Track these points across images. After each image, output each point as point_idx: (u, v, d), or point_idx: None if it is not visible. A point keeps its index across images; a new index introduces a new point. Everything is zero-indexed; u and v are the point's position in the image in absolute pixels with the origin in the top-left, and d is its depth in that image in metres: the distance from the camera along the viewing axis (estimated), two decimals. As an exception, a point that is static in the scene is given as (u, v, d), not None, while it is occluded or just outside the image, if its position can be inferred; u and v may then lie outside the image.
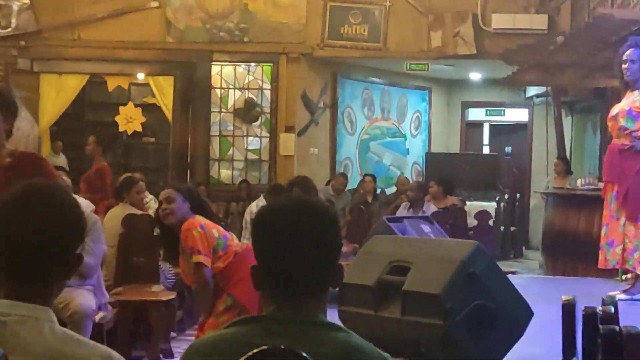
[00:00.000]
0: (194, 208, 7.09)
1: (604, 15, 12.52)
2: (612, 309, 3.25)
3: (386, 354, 2.72)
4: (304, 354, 2.40)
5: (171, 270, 9.84)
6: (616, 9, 12.39)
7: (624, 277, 9.13)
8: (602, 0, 13.50)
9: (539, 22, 17.41)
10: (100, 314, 8.10)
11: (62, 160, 18.72)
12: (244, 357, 2.40)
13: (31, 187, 2.78)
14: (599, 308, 3.29)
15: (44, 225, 2.69)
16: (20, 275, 2.65)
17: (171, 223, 6.99)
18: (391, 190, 18.59)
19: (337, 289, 5.77)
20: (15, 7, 18.45)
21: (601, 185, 9.15)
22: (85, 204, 8.29)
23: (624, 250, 8.49)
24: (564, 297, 3.62)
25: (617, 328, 2.80)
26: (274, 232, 2.73)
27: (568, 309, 3.55)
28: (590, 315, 3.27)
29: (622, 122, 8.51)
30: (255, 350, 2.41)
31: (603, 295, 6.44)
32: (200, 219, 6.94)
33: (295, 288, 2.68)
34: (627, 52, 8.68)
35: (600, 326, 2.95)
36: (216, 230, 7.04)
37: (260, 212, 2.84)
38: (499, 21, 17.88)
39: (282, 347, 2.42)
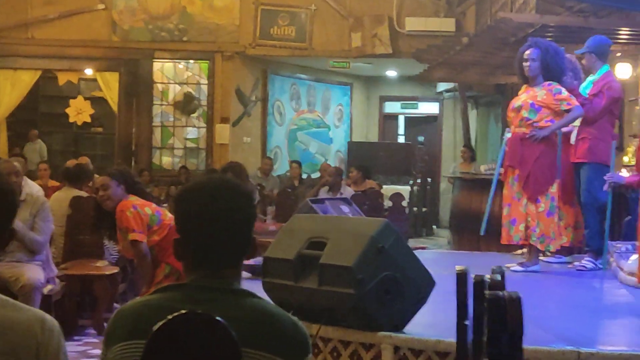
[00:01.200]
0: (128, 189, 7.08)
1: (504, 19, 12.63)
2: (499, 277, 3.27)
3: (295, 318, 2.72)
4: (218, 318, 2.40)
5: (115, 247, 9.80)
6: (514, 13, 12.50)
7: (519, 251, 9.24)
8: (503, 5, 13.61)
9: (447, 24, 17.57)
10: (49, 287, 8.07)
11: (38, 147, 18.89)
12: (164, 320, 2.40)
13: None
14: (487, 276, 3.31)
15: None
16: None
17: (110, 207, 6.97)
18: (316, 175, 18.65)
19: (261, 262, 5.85)
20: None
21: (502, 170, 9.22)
22: (36, 189, 8.24)
23: (526, 227, 8.59)
24: (457, 267, 3.64)
25: (500, 293, 2.82)
26: (193, 209, 2.73)
27: (461, 278, 3.57)
28: (479, 283, 3.30)
29: (524, 113, 8.59)
30: (175, 314, 2.41)
31: (500, 266, 6.54)
32: (133, 200, 6.96)
33: (213, 259, 2.69)
34: (527, 52, 8.76)
35: (487, 292, 2.97)
36: (149, 208, 7.05)
37: (180, 191, 2.85)
38: (412, 24, 18.03)
39: (200, 311, 2.43)
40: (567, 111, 8.50)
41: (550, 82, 8.59)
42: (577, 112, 8.54)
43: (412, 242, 13.91)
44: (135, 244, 6.79)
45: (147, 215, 6.91)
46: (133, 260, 7.47)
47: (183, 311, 2.42)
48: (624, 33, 12.23)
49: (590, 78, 8.84)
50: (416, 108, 23.70)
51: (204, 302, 2.54)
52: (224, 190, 2.77)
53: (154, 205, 7.30)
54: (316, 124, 21.72)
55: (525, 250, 8.95)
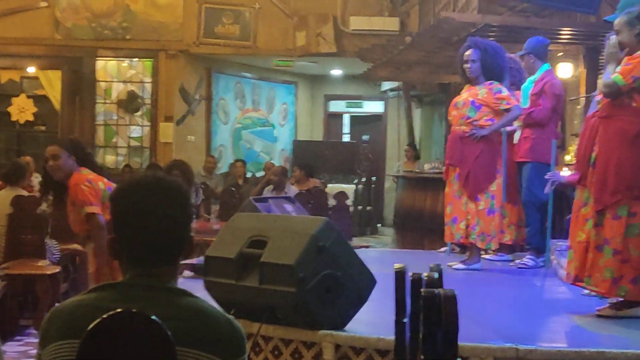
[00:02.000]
0: (80, 160, 6.92)
1: (446, 18, 12.72)
2: (437, 275, 3.30)
3: (231, 317, 2.72)
4: (153, 317, 2.41)
5: (56, 246, 9.77)
6: (457, 13, 12.60)
7: (442, 249, 9.37)
8: (446, 4, 13.72)
9: (391, 24, 17.65)
10: (-11, 287, 8.02)
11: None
12: (98, 320, 2.40)
13: None
14: (425, 274, 3.34)
15: None
16: None
17: (59, 178, 6.85)
18: (261, 174, 18.63)
19: (203, 260, 5.84)
20: None
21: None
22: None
23: (467, 225, 8.66)
24: (395, 266, 3.67)
25: (435, 291, 2.85)
26: (127, 207, 2.72)
27: (399, 276, 3.60)
28: (416, 281, 3.33)
29: (465, 111, 8.67)
30: (109, 313, 2.41)
31: (444, 265, 6.59)
32: (86, 173, 6.82)
33: (147, 257, 2.68)
34: (467, 53, 8.82)
35: (423, 290, 3.00)
36: (102, 182, 6.91)
37: (116, 190, 2.83)
38: (356, 23, 18.10)
39: (134, 310, 2.43)
40: (507, 110, 8.59)
41: (492, 81, 8.67)
42: (517, 112, 8.65)
43: (356, 241, 14.00)
44: (93, 216, 6.67)
45: (101, 190, 6.78)
46: (75, 259, 7.41)
47: (118, 310, 2.43)
48: (566, 33, 12.37)
49: (531, 78, 8.93)
50: (361, 107, 23.75)
51: (139, 300, 2.53)
52: (156, 188, 2.75)
53: (105, 180, 7.10)
54: (261, 123, 21.73)
55: (460, 248, 9.05)
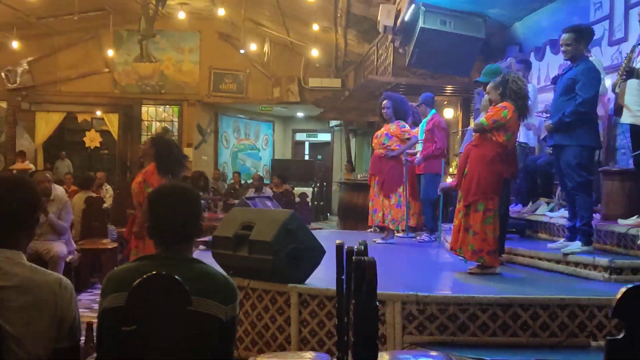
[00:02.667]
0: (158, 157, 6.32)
1: (371, 79, 12.76)
2: (363, 248, 3.30)
3: (227, 275, 2.74)
4: (176, 277, 2.41)
5: (114, 230, 9.72)
6: (378, 76, 12.60)
7: (370, 230, 9.35)
8: (371, 70, 13.71)
9: (336, 83, 17.71)
10: (70, 257, 7.96)
11: (67, 164, 18.57)
12: (139, 279, 2.40)
13: (9, 182, 2.72)
14: (356, 247, 3.35)
15: (21, 203, 2.63)
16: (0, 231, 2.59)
17: (145, 162, 6.40)
18: (250, 181, 18.61)
19: (212, 239, 5.81)
20: (19, 71, 18.21)
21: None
22: (61, 191, 8.09)
23: (383, 214, 8.69)
24: (337, 242, 3.67)
25: (362, 258, 2.84)
26: (160, 204, 2.74)
27: (339, 248, 3.60)
28: (349, 251, 3.33)
29: (382, 140, 8.71)
30: (147, 275, 2.41)
31: (369, 240, 6.59)
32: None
33: (173, 238, 2.70)
34: (384, 102, 8.85)
35: (354, 257, 3.00)
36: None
37: (151, 193, 2.84)
38: (313, 82, 18.18)
39: (163, 272, 2.43)
40: (408, 139, 8.67)
41: (399, 120, 8.72)
42: (414, 140, 8.80)
43: (313, 225, 13.94)
44: None
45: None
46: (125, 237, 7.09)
47: (152, 272, 2.43)
48: (449, 89, 12.47)
49: (425, 119, 9.03)
50: (316, 137, 23.83)
51: (167, 267, 2.53)
52: (177, 194, 2.78)
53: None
54: (250, 148, 21.74)
55: (380, 229, 9.08)
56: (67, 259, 7.85)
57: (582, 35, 6.81)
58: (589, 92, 6.11)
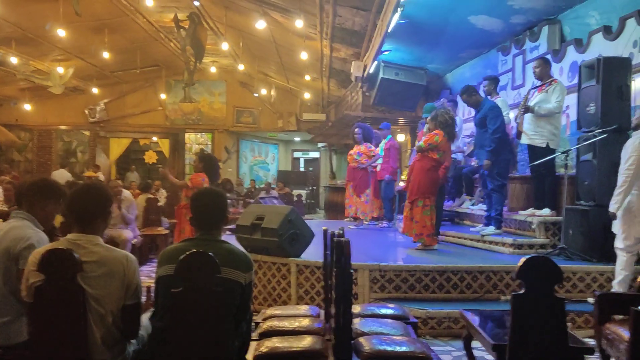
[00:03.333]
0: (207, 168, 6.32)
1: (347, 114, 12.75)
2: (342, 232, 3.30)
3: (246, 251, 2.72)
4: (210, 253, 2.40)
5: (166, 221, 9.63)
6: (351, 111, 12.58)
7: (347, 219, 9.32)
8: (347, 107, 13.68)
9: (322, 116, 17.60)
10: (135, 240, 7.86)
11: (135, 175, 18.33)
12: (184, 254, 2.39)
13: (90, 186, 2.71)
14: (337, 231, 3.33)
15: (99, 200, 2.62)
16: (84, 221, 2.57)
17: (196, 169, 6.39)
18: (262, 186, 18.53)
19: (235, 227, 5.77)
20: (98, 109, 17.99)
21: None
22: (128, 194, 8.02)
23: (356, 209, 8.67)
24: (323, 227, 3.66)
25: (341, 239, 2.83)
26: (199, 202, 2.73)
27: (325, 233, 3.59)
28: (332, 234, 3.32)
29: (354, 156, 8.68)
30: (189, 252, 2.40)
31: (346, 227, 6.57)
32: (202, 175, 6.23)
33: (208, 225, 2.68)
34: (355, 130, 8.81)
35: (335, 238, 3.00)
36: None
37: (193, 194, 2.82)
38: (306, 116, 18.06)
39: (202, 250, 2.42)
40: (373, 156, 8.65)
41: (366, 142, 8.70)
42: (377, 157, 8.72)
43: (307, 216, 13.94)
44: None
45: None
46: (176, 226, 6.97)
47: (193, 250, 2.42)
48: (401, 120, 12.48)
49: (384, 141, 8.95)
50: (308, 155, 23.65)
51: (203, 246, 2.51)
52: (211, 194, 2.76)
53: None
54: (262, 162, 21.58)
55: (353, 219, 9.02)
56: (133, 242, 7.76)
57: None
58: (496, 122, 6.16)
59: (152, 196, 9.97)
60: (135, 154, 20.63)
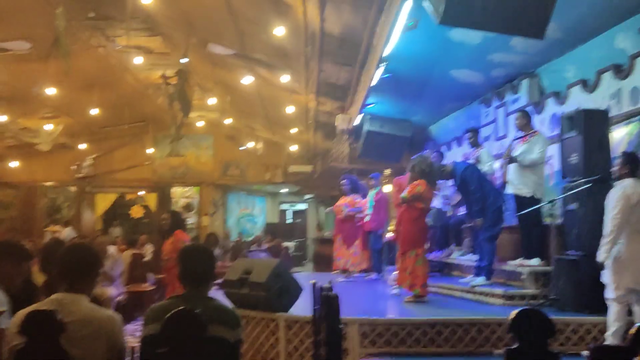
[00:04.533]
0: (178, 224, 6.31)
1: (333, 165, 12.84)
2: (330, 285, 3.26)
3: (233, 308, 2.67)
4: (197, 311, 2.35)
5: (152, 277, 9.47)
6: (338, 163, 12.68)
7: (335, 272, 9.22)
8: (333, 159, 13.81)
9: (309, 168, 17.66)
10: (119, 297, 7.70)
11: (119, 230, 18.08)
12: (170, 313, 2.34)
13: (80, 245, 2.68)
14: (326, 285, 3.29)
15: (88, 260, 2.59)
16: (72, 281, 2.52)
17: (165, 228, 6.34)
18: (250, 239, 18.39)
19: (223, 281, 5.67)
20: (85, 164, 17.93)
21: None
22: (113, 250, 7.92)
23: (345, 261, 8.61)
24: (311, 281, 3.61)
25: (329, 293, 2.80)
26: (186, 259, 2.69)
27: (313, 286, 3.54)
28: (320, 288, 3.27)
29: (342, 208, 8.70)
30: (175, 310, 2.35)
31: (335, 279, 6.50)
32: (182, 233, 6.22)
33: (196, 282, 2.63)
34: (343, 181, 8.88)
35: (323, 293, 2.96)
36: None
37: (181, 250, 2.80)
38: (293, 168, 18.06)
39: (189, 307, 2.37)
40: (359, 208, 8.66)
41: (353, 194, 8.73)
42: (361, 209, 8.71)
43: (295, 269, 13.76)
44: None
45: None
46: (162, 281, 6.92)
47: (180, 308, 2.37)
48: (387, 172, 12.52)
49: (372, 192, 8.94)
50: (295, 206, 23.53)
51: (192, 303, 2.47)
52: (198, 250, 2.74)
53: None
54: (249, 215, 21.43)
55: (342, 272, 8.90)
56: (117, 299, 7.60)
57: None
58: (473, 182, 6.29)
59: (137, 252, 9.86)
60: (122, 208, 20.43)
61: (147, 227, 20.10)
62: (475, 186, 6.20)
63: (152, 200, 19.07)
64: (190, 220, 18.81)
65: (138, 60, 10.45)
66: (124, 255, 9.21)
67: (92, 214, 18.67)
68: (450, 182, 7.04)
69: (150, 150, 18.17)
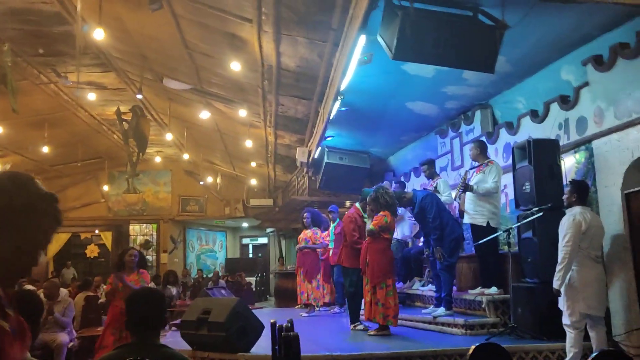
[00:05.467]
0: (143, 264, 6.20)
1: (293, 198, 12.82)
2: (290, 324, 3.22)
3: (186, 356, 2.58)
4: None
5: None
6: (298, 196, 12.68)
7: (298, 306, 9.13)
8: (293, 192, 13.82)
9: (269, 202, 17.63)
10: (71, 344, 7.40)
11: (71, 271, 17.48)
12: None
13: (20, 293, 2.58)
14: (286, 324, 3.25)
15: (24, 310, 2.49)
16: None
17: (132, 268, 6.09)
18: (210, 275, 18.09)
19: (180, 322, 5.52)
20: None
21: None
22: (65, 293, 7.64)
23: (307, 295, 8.53)
24: (271, 320, 3.56)
25: (289, 333, 2.77)
26: (134, 305, 2.60)
27: (273, 325, 3.49)
28: (280, 328, 3.23)
29: (302, 242, 8.67)
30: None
31: (296, 316, 6.40)
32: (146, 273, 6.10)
33: (144, 329, 2.53)
34: (305, 214, 8.86)
35: (283, 333, 2.92)
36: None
37: (129, 295, 2.71)
38: (253, 202, 18.05)
39: (140, 357, 2.30)
40: (319, 242, 8.66)
41: (314, 227, 8.72)
42: (324, 244, 8.71)
43: (257, 305, 13.57)
44: None
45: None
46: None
47: (131, 358, 2.29)
48: (349, 203, 12.62)
49: (333, 224, 8.94)
50: (257, 240, 23.45)
51: (140, 353, 2.38)
52: (147, 295, 2.66)
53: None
54: (209, 251, 21.23)
55: (305, 306, 8.84)
56: (69, 346, 7.30)
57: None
58: (432, 210, 6.33)
59: (92, 294, 9.53)
60: (76, 248, 19.90)
61: (102, 267, 19.61)
62: (433, 215, 6.27)
63: (108, 238, 18.66)
64: (149, 257, 18.43)
65: (91, 96, 10.31)
66: (77, 298, 8.90)
67: (43, 255, 18.09)
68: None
69: (105, 188, 17.85)
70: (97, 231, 18.97)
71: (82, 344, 8.00)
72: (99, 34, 6.91)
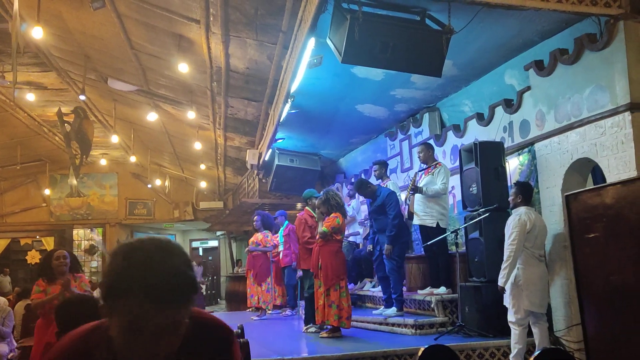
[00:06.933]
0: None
1: (244, 201, 12.73)
2: (240, 330, 3.18)
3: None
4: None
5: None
6: (249, 198, 12.60)
7: (250, 309, 9.07)
8: (244, 194, 13.71)
9: (219, 204, 17.48)
10: (11, 354, 7.10)
11: (7, 279, 16.68)
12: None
13: None
14: (236, 330, 3.21)
15: None
16: None
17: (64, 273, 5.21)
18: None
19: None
20: (-29, 208, 16.64)
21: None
22: (3, 301, 7.35)
23: (258, 298, 8.49)
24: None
25: (239, 339, 2.73)
26: (66, 312, 2.46)
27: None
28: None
29: (253, 245, 8.63)
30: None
31: (247, 319, 6.34)
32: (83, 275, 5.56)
33: None
34: (255, 217, 8.81)
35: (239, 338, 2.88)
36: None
37: (59, 302, 2.61)
38: (203, 205, 17.87)
39: None
40: (271, 245, 8.64)
41: (264, 230, 8.69)
42: (271, 247, 8.69)
43: (207, 308, 13.42)
44: None
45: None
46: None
47: None
48: (299, 205, 12.60)
49: (282, 227, 8.91)
50: (207, 244, 23.17)
51: None
52: (81, 302, 2.52)
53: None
54: (158, 255, 20.85)
55: (256, 309, 8.79)
56: (9, 357, 7.01)
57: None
58: (395, 208, 6.41)
59: (30, 302, 9.19)
60: (16, 254, 19.10)
61: (45, 274, 18.90)
62: (395, 213, 6.35)
63: (50, 244, 18.02)
64: (94, 263, 17.94)
65: (30, 97, 9.93)
66: (17, 307, 8.57)
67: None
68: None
69: (47, 192, 17.22)
70: (38, 237, 18.29)
71: (22, 354, 7.68)
72: (37, 32, 6.66)
